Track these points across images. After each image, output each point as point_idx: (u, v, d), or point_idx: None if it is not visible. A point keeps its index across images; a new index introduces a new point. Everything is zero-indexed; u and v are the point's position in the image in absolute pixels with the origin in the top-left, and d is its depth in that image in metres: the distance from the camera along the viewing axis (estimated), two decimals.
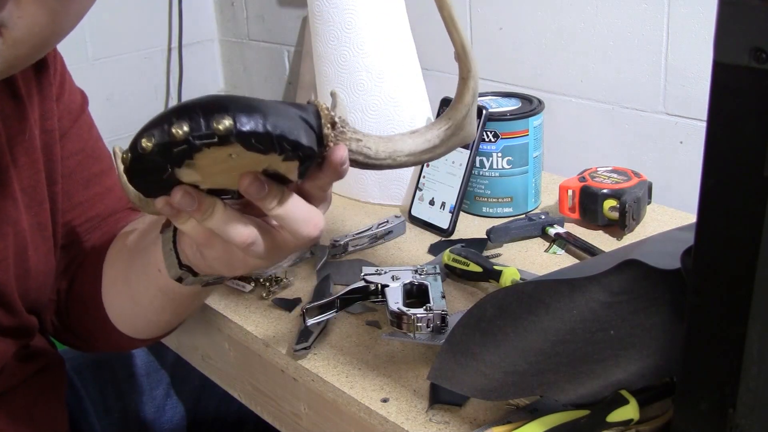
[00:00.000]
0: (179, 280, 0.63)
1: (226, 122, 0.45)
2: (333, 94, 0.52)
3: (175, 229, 0.62)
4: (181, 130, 0.45)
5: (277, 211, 0.52)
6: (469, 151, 0.95)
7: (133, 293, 0.71)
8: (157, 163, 0.47)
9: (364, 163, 0.53)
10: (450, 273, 0.84)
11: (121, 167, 0.51)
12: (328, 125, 0.50)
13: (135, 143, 0.47)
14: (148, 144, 0.46)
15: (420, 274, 0.76)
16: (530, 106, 0.99)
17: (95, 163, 0.79)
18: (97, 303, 0.75)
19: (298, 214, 0.52)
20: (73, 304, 0.78)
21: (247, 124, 0.45)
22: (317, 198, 0.54)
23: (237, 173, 0.49)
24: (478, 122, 0.93)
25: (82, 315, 0.77)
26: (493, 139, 0.96)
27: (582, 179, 0.94)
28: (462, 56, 0.52)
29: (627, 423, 0.57)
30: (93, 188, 0.78)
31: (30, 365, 0.76)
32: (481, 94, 1.03)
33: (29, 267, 0.70)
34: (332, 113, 0.51)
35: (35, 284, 0.71)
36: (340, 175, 0.52)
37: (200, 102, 0.46)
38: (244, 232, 0.52)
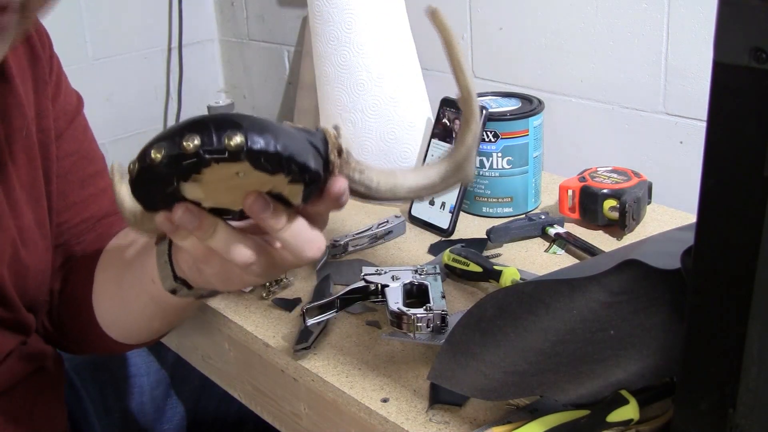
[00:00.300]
0: (173, 292, 0.63)
1: (238, 139, 0.45)
2: (336, 128, 0.52)
3: (170, 242, 0.62)
4: (192, 143, 0.45)
5: (283, 234, 0.52)
6: None
7: (125, 300, 0.71)
8: (164, 175, 0.47)
9: (364, 194, 0.54)
10: (450, 273, 0.84)
11: (117, 180, 0.51)
12: (335, 152, 0.50)
13: (144, 153, 0.47)
14: (158, 155, 0.46)
15: (420, 274, 0.76)
16: (530, 106, 0.99)
17: (90, 165, 0.79)
18: (89, 305, 0.75)
19: (302, 236, 0.53)
20: (65, 305, 0.78)
21: (258, 143, 0.45)
22: (317, 222, 0.55)
23: (241, 193, 0.50)
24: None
25: (75, 316, 0.77)
26: (493, 139, 0.96)
27: (582, 179, 0.94)
28: (467, 100, 0.53)
29: (627, 423, 0.57)
30: (88, 189, 0.78)
31: (29, 364, 0.75)
32: (481, 94, 1.03)
33: (28, 264, 0.70)
34: (339, 141, 0.51)
35: (34, 282, 0.71)
36: (338, 205, 0.52)
37: (213, 118, 0.46)
38: (245, 252, 0.52)
